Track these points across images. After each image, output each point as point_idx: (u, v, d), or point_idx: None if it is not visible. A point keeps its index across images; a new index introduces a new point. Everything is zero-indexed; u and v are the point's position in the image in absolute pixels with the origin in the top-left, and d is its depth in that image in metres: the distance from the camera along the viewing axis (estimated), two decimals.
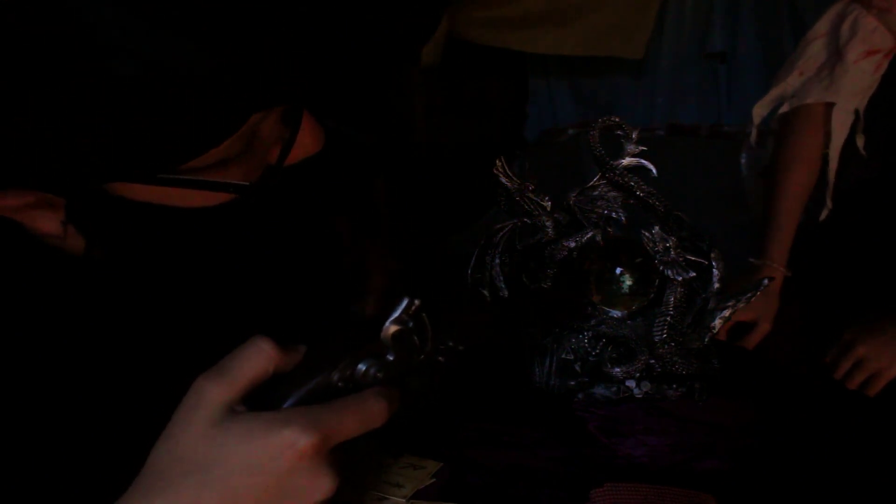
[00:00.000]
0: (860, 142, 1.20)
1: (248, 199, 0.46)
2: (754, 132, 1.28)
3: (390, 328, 0.43)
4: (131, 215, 0.44)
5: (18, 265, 0.47)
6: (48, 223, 0.44)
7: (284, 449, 0.38)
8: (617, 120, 0.78)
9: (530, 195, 0.80)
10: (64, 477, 0.46)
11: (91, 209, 0.44)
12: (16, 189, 0.42)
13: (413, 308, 0.43)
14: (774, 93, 1.22)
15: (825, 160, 1.19)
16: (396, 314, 0.43)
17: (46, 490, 0.45)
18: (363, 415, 0.41)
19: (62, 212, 0.44)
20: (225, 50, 0.37)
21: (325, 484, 0.39)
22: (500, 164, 0.80)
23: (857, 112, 1.16)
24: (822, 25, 1.18)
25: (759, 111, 1.25)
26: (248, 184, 0.45)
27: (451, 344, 0.47)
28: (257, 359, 0.41)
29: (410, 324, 0.44)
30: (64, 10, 0.34)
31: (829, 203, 1.22)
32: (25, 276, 0.47)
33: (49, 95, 0.36)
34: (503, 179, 0.80)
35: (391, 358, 0.43)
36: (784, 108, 1.20)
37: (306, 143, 0.48)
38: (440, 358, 0.46)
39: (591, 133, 0.78)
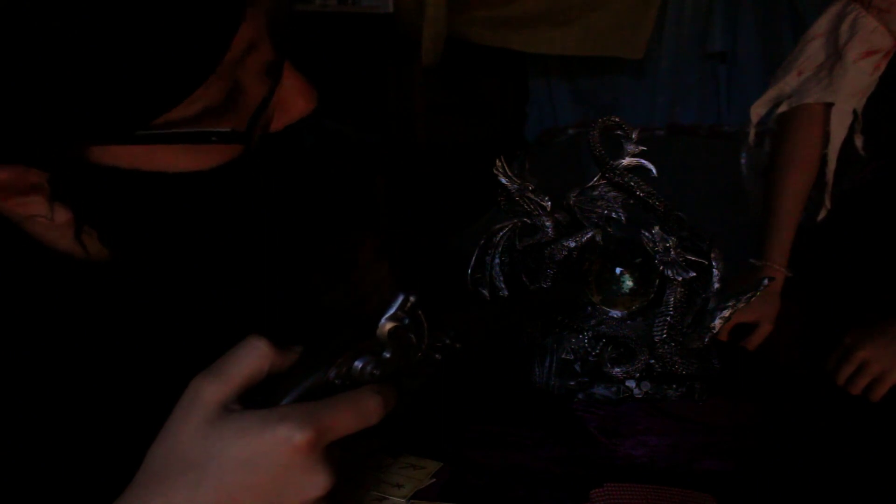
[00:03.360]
0: (859, 142, 1.20)
1: (242, 155, 0.44)
2: (752, 132, 1.28)
3: (386, 325, 0.43)
4: (118, 184, 0.42)
5: (13, 264, 0.47)
6: (35, 205, 0.42)
7: (279, 445, 0.38)
8: (617, 120, 0.78)
9: (530, 195, 0.80)
10: (62, 477, 0.46)
11: (76, 181, 0.42)
12: None
13: (408, 304, 0.43)
14: (772, 92, 1.21)
15: (824, 160, 1.19)
16: (392, 311, 0.43)
17: (45, 490, 0.45)
18: (359, 411, 0.41)
19: (47, 188, 0.41)
20: None
21: (321, 481, 0.39)
22: (500, 164, 0.80)
23: (855, 112, 1.16)
24: (821, 25, 1.18)
25: (758, 111, 1.24)
26: (230, 130, 0.42)
27: (447, 342, 0.47)
28: (252, 358, 0.41)
29: (406, 320, 0.43)
30: None
31: (827, 203, 1.22)
32: (18, 275, 0.47)
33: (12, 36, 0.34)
34: (503, 179, 0.80)
35: (388, 355, 0.43)
36: (783, 108, 1.20)
37: (297, 102, 0.46)
38: (437, 356, 0.46)
39: (591, 133, 0.78)
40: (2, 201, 0.42)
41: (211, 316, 0.53)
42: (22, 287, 0.47)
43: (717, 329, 0.77)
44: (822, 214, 1.23)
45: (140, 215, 0.45)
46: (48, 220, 0.43)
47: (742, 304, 0.76)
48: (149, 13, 0.36)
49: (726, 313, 0.76)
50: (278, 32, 0.44)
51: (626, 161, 0.78)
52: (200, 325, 0.52)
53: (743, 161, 1.36)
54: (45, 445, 0.46)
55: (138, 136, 0.40)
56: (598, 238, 0.80)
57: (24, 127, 0.37)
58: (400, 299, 0.43)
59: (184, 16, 0.37)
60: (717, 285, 0.76)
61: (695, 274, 0.76)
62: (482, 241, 0.84)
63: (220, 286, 0.52)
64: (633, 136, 0.78)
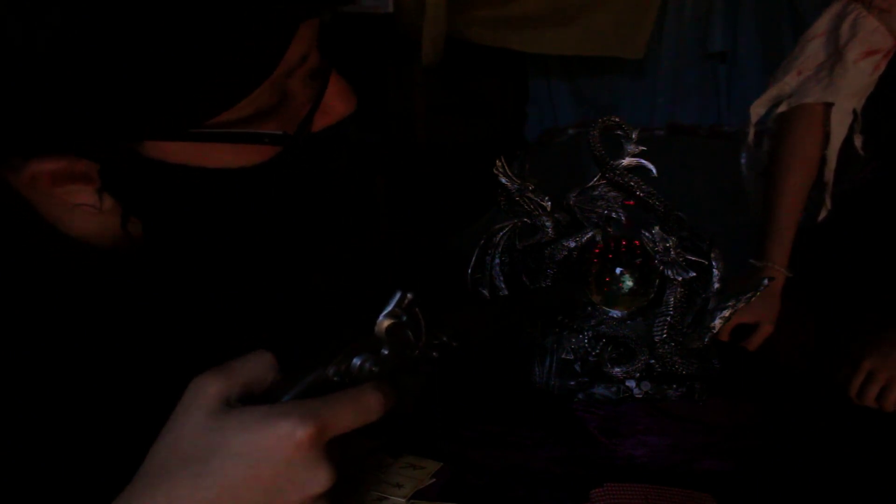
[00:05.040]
0: (858, 142, 1.20)
1: (285, 154, 0.46)
2: (752, 131, 1.28)
3: (384, 322, 0.43)
4: (166, 178, 0.44)
5: (27, 260, 0.47)
6: (84, 194, 0.44)
7: (281, 440, 0.38)
8: (617, 120, 0.78)
9: (530, 195, 0.80)
10: (66, 474, 0.46)
11: (125, 173, 0.43)
12: (49, 154, 0.41)
13: (406, 302, 0.43)
14: (772, 92, 1.21)
15: (824, 160, 1.18)
16: (389, 308, 0.43)
17: (48, 488, 0.45)
18: (359, 408, 0.41)
19: (97, 180, 0.43)
20: None
21: (322, 477, 0.39)
22: (500, 164, 0.80)
23: (855, 112, 1.16)
24: (821, 25, 1.18)
25: (757, 110, 1.24)
26: (280, 133, 0.45)
27: (445, 339, 0.47)
28: (257, 363, 0.41)
29: (404, 317, 0.43)
30: None
31: (827, 203, 1.22)
32: (30, 270, 0.47)
33: (86, 34, 0.36)
34: (503, 179, 0.80)
35: (386, 352, 0.43)
36: (782, 108, 1.20)
37: (337, 105, 0.48)
38: (434, 353, 0.46)
39: (591, 133, 0.78)
40: (52, 188, 0.43)
41: (214, 314, 0.53)
42: (32, 283, 0.47)
43: (717, 329, 0.77)
44: (822, 214, 1.23)
45: (185, 208, 0.47)
46: (96, 209, 0.44)
47: (742, 305, 0.76)
48: (211, 21, 0.37)
49: (726, 313, 0.76)
50: (326, 40, 0.47)
51: (626, 161, 0.78)
52: (204, 323, 0.52)
53: (743, 161, 1.36)
54: (49, 444, 0.46)
55: (192, 134, 0.42)
56: (598, 238, 0.80)
57: (84, 120, 0.39)
58: (397, 297, 0.43)
59: (244, 24, 0.39)
60: (717, 285, 0.76)
61: (695, 274, 0.76)
62: (482, 241, 0.84)
63: (237, 283, 0.53)
64: (633, 136, 0.78)
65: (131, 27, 0.36)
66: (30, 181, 0.42)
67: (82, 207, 0.44)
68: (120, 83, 0.37)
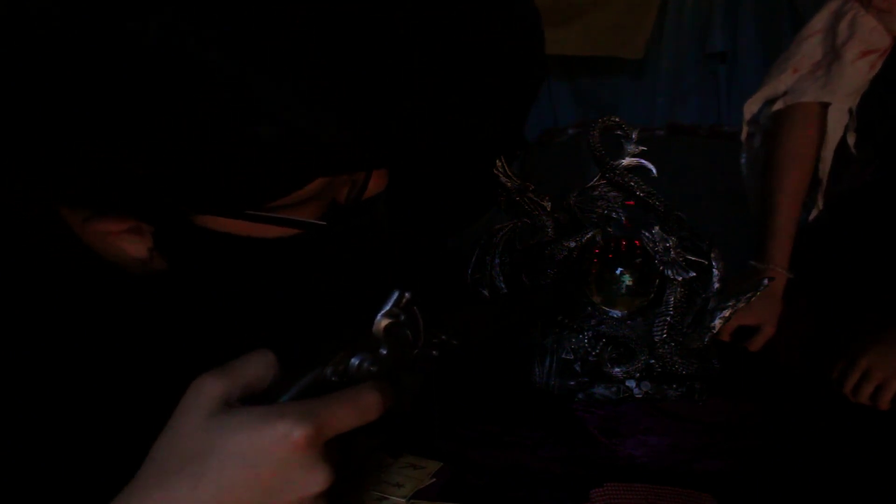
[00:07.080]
0: (851, 140, 1.19)
1: (320, 235, 0.50)
2: (745, 129, 1.27)
3: (382, 322, 0.43)
4: (213, 243, 0.47)
5: (38, 261, 0.48)
6: (137, 248, 0.47)
7: (278, 440, 0.38)
8: (617, 120, 0.78)
9: (530, 195, 0.80)
10: (66, 474, 0.46)
11: (177, 237, 0.47)
12: (116, 216, 0.45)
13: (403, 301, 0.43)
14: (767, 90, 1.21)
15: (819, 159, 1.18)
16: (387, 307, 0.43)
17: (48, 488, 0.45)
18: (357, 407, 0.41)
19: (149, 238, 0.47)
20: (350, 122, 0.42)
21: (320, 477, 0.39)
22: (500, 164, 0.80)
23: (850, 111, 1.16)
24: (818, 22, 1.17)
25: (751, 108, 1.24)
26: (324, 223, 0.50)
27: (444, 338, 0.47)
28: (258, 363, 0.41)
29: (402, 317, 0.43)
30: (232, 81, 0.37)
31: (819, 203, 1.22)
32: (38, 271, 0.48)
33: (184, 147, 0.39)
34: (503, 179, 0.80)
35: (384, 352, 0.43)
36: (778, 106, 1.19)
37: (372, 183, 0.52)
38: (434, 352, 0.46)
39: (591, 133, 0.78)
40: (106, 237, 0.46)
41: (215, 314, 0.53)
42: (35, 282, 0.48)
43: (716, 329, 0.77)
44: (813, 214, 1.23)
45: (225, 267, 0.51)
46: (147, 263, 0.48)
47: (742, 304, 0.76)
48: (285, 125, 0.40)
49: (726, 313, 0.76)
50: None
51: (626, 161, 0.78)
52: (205, 322, 0.53)
53: (743, 161, 1.36)
54: (49, 443, 0.46)
55: (248, 215, 0.46)
56: (599, 238, 0.80)
57: (163, 199, 0.43)
58: (395, 296, 0.43)
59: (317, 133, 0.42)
60: (717, 285, 0.76)
61: (695, 274, 0.76)
62: (482, 241, 0.85)
63: (238, 284, 0.54)
64: (633, 136, 0.78)
65: (208, 129, 0.39)
66: (85, 231, 0.46)
67: (132, 261, 0.48)
68: (196, 169, 0.41)
